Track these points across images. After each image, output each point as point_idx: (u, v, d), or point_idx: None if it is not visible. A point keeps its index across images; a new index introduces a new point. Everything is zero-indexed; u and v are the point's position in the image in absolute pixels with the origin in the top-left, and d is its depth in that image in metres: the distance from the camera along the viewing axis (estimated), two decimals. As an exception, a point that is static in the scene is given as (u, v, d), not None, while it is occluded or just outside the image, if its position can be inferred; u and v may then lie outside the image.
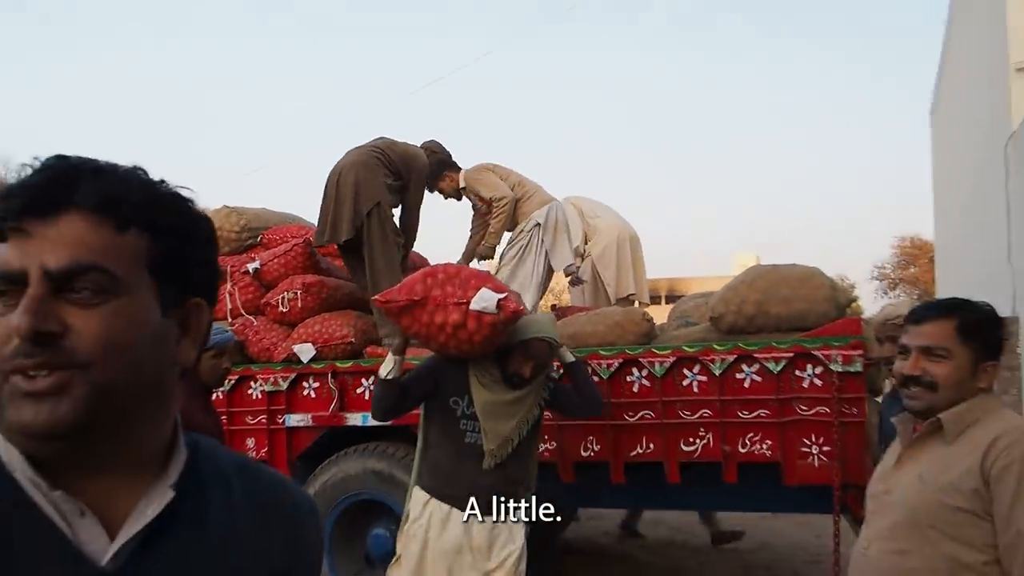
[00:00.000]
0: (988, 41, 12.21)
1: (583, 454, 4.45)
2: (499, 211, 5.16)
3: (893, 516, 1.97)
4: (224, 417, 5.16)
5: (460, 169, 5.43)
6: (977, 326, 1.98)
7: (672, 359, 4.27)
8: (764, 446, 4.18)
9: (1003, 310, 10.83)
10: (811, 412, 4.11)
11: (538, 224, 5.03)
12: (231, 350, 3.70)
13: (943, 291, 18.47)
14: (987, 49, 12.35)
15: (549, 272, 5.11)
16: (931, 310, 2.05)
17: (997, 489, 1.79)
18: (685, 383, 4.29)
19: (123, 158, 0.84)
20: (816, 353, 4.07)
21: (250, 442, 5.14)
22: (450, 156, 5.49)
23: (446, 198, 5.46)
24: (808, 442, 4.12)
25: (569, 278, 5.33)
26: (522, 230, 5.02)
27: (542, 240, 4.98)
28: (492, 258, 5.34)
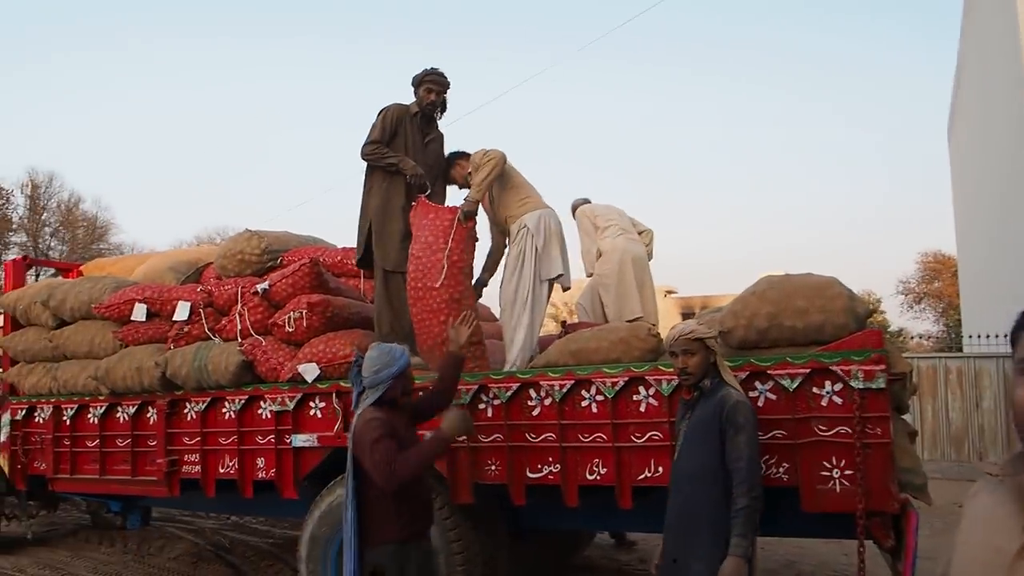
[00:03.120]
0: (1003, 56, 11.30)
1: (589, 477, 3.85)
2: (486, 162, 4.40)
3: None
4: (235, 437, 4.73)
5: (469, 157, 4.73)
6: None
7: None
8: (780, 469, 3.52)
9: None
10: (831, 433, 3.43)
11: (526, 227, 4.42)
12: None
13: (969, 305, 17.25)
14: (1002, 64, 11.43)
15: (542, 281, 4.43)
16: None
17: None
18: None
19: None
20: (835, 369, 3.42)
21: (260, 462, 4.66)
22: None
23: (460, 188, 4.77)
24: (828, 465, 3.45)
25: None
26: (517, 231, 4.42)
27: (535, 246, 4.37)
28: (474, 215, 4.45)
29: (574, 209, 5.85)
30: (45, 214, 33.77)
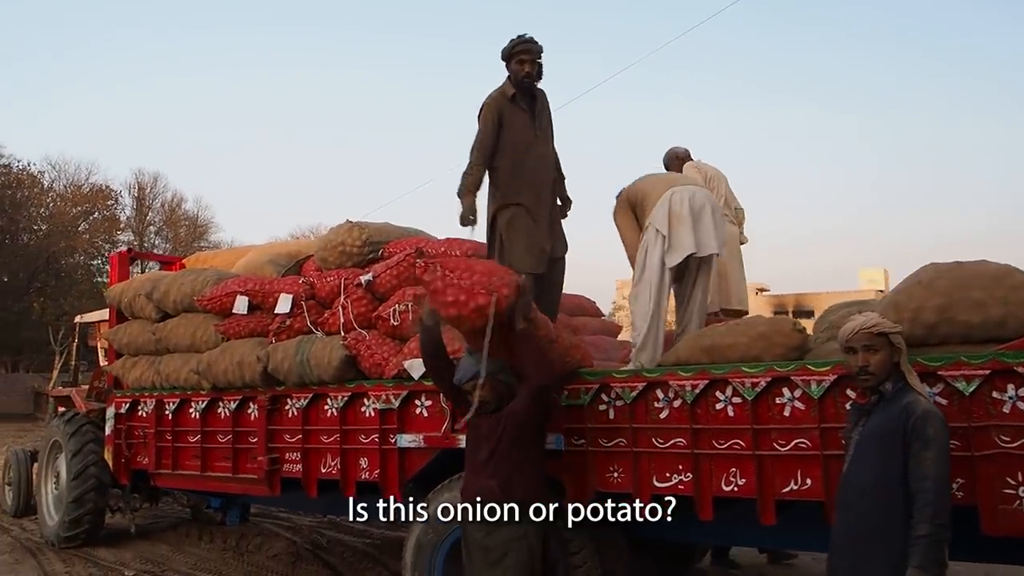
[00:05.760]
0: None
1: (725, 488, 3.46)
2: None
3: None
4: (338, 436, 4.54)
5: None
6: None
7: (831, 377, 3.23)
8: (954, 486, 3.05)
9: None
10: (1015, 444, 2.96)
11: (652, 227, 4.10)
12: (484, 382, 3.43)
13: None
14: None
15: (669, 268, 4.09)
16: None
17: None
18: (849, 406, 3.23)
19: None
20: (1020, 370, 2.94)
21: (363, 462, 4.46)
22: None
23: None
24: (1013, 482, 2.97)
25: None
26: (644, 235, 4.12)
27: (657, 239, 4.03)
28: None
29: (677, 158, 5.43)
30: (150, 214, 35.36)
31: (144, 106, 60.35)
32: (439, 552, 4.05)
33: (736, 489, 3.43)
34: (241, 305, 4.95)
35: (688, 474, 3.52)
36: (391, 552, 5.94)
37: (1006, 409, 2.99)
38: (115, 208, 32.88)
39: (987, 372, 3.00)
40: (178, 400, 5.42)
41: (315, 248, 5.42)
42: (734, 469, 3.44)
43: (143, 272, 9.88)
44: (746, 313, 5.20)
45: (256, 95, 66.54)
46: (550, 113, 4.52)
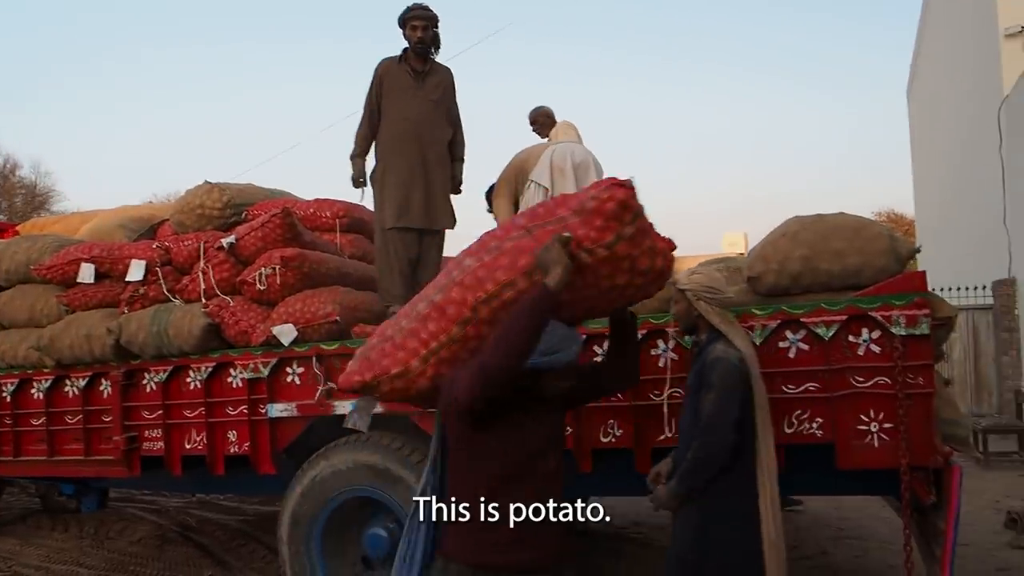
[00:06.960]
0: (973, 10, 11.18)
1: (603, 440, 3.50)
2: None
3: None
4: (203, 409, 4.25)
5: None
6: None
7: (705, 328, 3.31)
8: (814, 425, 3.24)
9: (999, 272, 9.91)
10: (868, 384, 3.15)
11: (531, 184, 4.08)
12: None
13: (928, 260, 17.40)
14: (972, 18, 11.31)
15: None
16: None
17: None
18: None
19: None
20: (874, 315, 3.13)
21: (232, 435, 4.20)
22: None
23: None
24: (865, 419, 3.17)
25: None
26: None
27: (544, 190, 4.01)
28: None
29: (548, 116, 5.43)
30: (-24, 182, 31.70)
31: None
32: (316, 524, 3.91)
33: (614, 440, 3.49)
34: (87, 273, 4.51)
35: (568, 428, 3.53)
36: (265, 528, 5.71)
37: (860, 352, 3.18)
38: (-67, 176, 29.43)
39: (844, 318, 3.17)
40: (17, 380, 4.90)
41: (171, 211, 5.03)
42: (612, 421, 3.49)
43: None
44: None
45: (107, 49, 60.86)
46: (449, 88, 4.57)
